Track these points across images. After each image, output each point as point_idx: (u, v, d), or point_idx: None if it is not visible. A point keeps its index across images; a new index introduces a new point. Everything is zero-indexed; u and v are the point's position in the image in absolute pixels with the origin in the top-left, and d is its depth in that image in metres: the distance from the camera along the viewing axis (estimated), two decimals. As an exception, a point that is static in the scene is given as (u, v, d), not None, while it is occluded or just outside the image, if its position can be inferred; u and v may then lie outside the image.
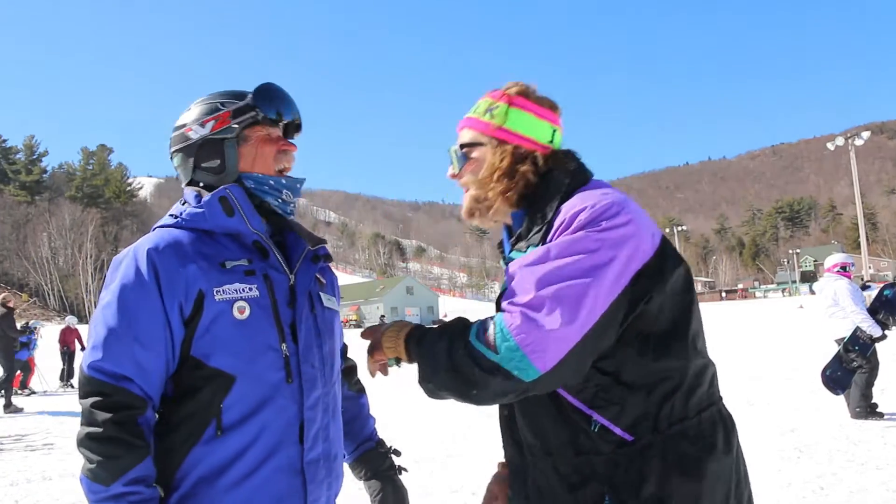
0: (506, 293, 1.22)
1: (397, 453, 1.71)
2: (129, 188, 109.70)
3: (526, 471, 1.35)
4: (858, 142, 30.30)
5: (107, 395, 1.26)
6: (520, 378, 1.13)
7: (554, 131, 1.38)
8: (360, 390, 1.75)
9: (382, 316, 21.77)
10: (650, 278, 1.18)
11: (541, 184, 1.33)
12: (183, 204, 1.45)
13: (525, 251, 1.27)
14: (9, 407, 10.95)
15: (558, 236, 1.20)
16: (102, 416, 1.24)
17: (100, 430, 1.24)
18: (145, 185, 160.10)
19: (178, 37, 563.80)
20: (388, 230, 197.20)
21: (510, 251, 1.36)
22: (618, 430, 1.21)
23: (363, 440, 1.69)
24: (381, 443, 1.71)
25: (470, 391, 1.19)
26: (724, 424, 1.27)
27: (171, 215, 1.42)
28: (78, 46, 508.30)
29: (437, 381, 1.22)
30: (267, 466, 1.32)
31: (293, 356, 1.37)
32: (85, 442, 1.25)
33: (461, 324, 1.25)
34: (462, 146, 1.41)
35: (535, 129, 1.36)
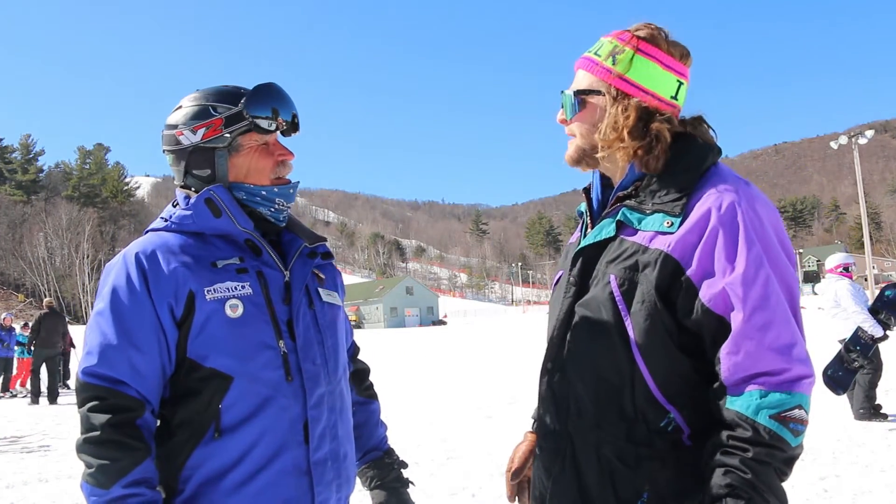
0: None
1: (404, 465, 1.66)
2: (126, 187, 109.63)
3: (564, 438, 1.26)
4: (862, 140, 30.36)
5: (102, 398, 1.26)
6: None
7: (679, 85, 1.27)
8: (371, 396, 1.71)
9: None
10: None
11: (677, 145, 1.24)
12: (174, 206, 1.44)
13: (649, 214, 1.20)
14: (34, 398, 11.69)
15: (720, 230, 1.14)
16: (99, 419, 1.24)
17: (97, 433, 1.23)
18: (143, 185, 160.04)
19: (177, 35, 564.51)
20: (387, 230, 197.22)
21: (611, 203, 1.29)
22: (686, 433, 1.16)
23: (370, 448, 1.65)
24: (389, 452, 1.66)
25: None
26: None
27: (162, 218, 1.42)
28: (75, 44, 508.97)
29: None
30: (272, 468, 1.30)
31: (292, 353, 1.35)
32: (83, 447, 1.25)
33: (765, 457, 1.07)
34: (577, 92, 1.30)
35: (658, 82, 1.25)
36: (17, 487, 5.49)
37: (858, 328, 6.27)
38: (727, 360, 1.11)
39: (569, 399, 1.26)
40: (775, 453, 1.06)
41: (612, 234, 1.24)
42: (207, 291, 1.30)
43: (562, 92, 1.33)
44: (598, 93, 1.27)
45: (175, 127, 1.41)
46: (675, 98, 1.27)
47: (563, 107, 1.33)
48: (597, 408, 1.21)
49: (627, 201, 1.25)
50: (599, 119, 1.27)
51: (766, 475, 1.06)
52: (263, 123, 1.39)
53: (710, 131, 1.29)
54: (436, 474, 5.23)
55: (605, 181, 1.37)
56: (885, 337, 6.31)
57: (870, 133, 31.22)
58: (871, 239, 34.38)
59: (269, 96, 1.41)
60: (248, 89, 1.41)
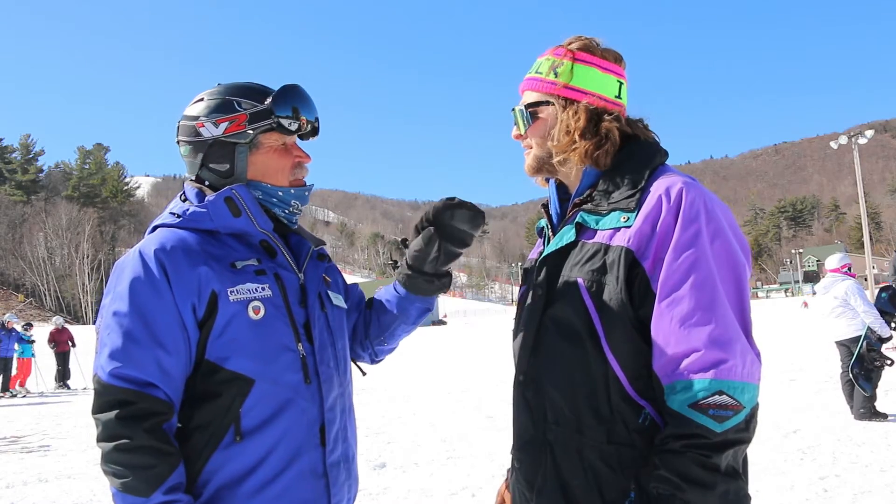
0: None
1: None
2: (126, 187, 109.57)
3: (543, 448, 1.26)
4: (862, 140, 30.31)
5: (132, 403, 1.21)
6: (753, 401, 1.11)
7: (620, 85, 1.34)
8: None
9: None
10: None
11: (627, 146, 1.29)
12: (183, 200, 1.40)
13: (605, 214, 1.23)
14: None
15: (671, 225, 1.15)
16: (130, 425, 1.19)
17: (130, 440, 1.18)
18: (143, 185, 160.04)
19: (176, 34, 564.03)
20: (387, 230, 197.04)
21: (569, 210, 1.33)
22: (662, 426, 1.17)
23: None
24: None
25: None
26: None
27: (172, 213, 1.37)
28: (74, 44, 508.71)
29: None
30: (290, 471, 1.29)
31: (310, 356, 1.35)
32: (113, 456, 1.19)
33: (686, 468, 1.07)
34: (528, 106, 1.36)
35: (601, 84, 1.31)
36: (17, 487, 5.48)
37: (868, 328, 6.32)
38: (654, 345, 1.14)
39: (545, 408, 1.26)
40: (694, 442, 1.07)
41: (573, 238, 1.26)
42: (231, 292, 1.28)
43: (512, 109, 1.39)
44: (548, 103, 1.33)
45: (195, 118, 1.39)
46: (618, 97, 1.33)
47: (515, 123, 1.39)
48: (575, 413, 1.21)
49: (584, 206, 1.28)
50: (552, 127, 1.33)
51: (681, 466, 1.06)
52: (286, 123, 1.39)
53: (654, 135, 1.35)
54: (436, 474, 5.22)
55: (562, 195, 1.41)
56: (890, 337, 6.39)
57: (870, 133, 31.18)
58: (871, 239, 34.39)
59: (294, 97, 1.41)
60: (273, 89, 1.41)
